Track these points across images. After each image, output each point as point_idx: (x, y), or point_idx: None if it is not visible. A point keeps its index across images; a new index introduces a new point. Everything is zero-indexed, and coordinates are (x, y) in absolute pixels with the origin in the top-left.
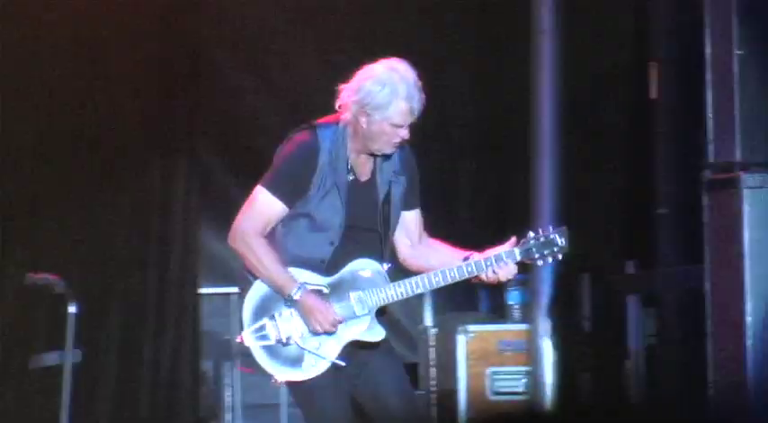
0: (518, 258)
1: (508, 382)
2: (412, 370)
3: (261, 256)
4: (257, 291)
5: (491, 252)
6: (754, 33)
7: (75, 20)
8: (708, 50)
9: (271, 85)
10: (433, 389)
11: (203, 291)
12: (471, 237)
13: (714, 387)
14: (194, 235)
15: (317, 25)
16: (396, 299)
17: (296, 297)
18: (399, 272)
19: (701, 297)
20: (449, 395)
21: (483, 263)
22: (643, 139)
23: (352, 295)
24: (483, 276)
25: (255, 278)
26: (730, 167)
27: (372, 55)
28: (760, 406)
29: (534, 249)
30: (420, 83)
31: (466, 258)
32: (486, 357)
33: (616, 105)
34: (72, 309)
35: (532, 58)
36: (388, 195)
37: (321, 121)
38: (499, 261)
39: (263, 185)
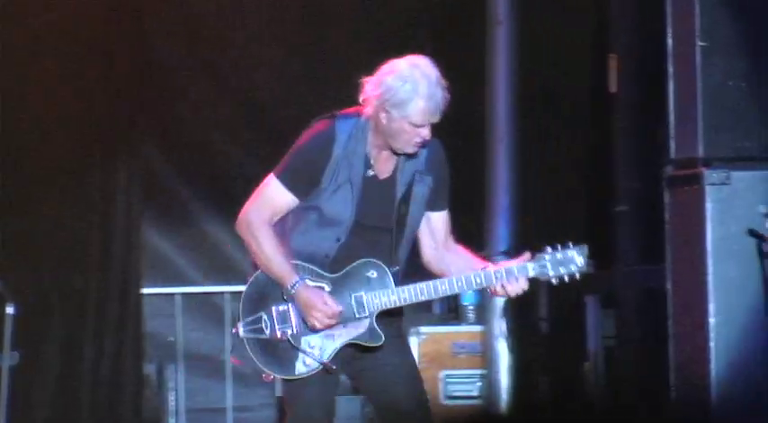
0: (531, 274)
1: (462, 385)
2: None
3: (263, 245)
4: (257, 282)
5: (504, 265)
6: (717, 25)
7: (15, 18)
8: (669, 42)
9: (216, 82)
10: None
11: (146, 291)
12: None
13: (676, 390)
14: (137, 233)
15: (265, 20)
16: (399, 304)
17: (293, 290)
18: (405, 277)
19: (662, 297)
20: None
21: (493, 275)
22: (602, 134)
23: (354, 296)
24: (492, 289)
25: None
26: (692, 163)
27: (323, 49)
28: (722, 410)
29: (550, 266)
30: (444, 82)
31: (482, 269)
32: (439, 360)
33: (574, 99)
34: (10, 310)
35: (488, 50)
36: (407, 195)
37: (344, 111)
38: (510, 275)
39: (275, 174)
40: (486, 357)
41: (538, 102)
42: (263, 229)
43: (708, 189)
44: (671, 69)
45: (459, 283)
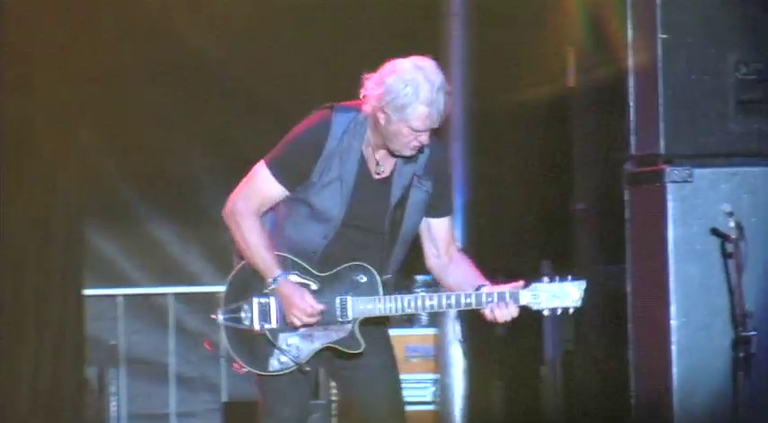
0: (522, 302)
1: (415, 391)
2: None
3: (248, 236)
4: (242, 272)
5: (497, 288)
6: (679, 16)
7: None
8: (629, 34)
9: (161, 79)
10: (334, 399)
11: (88, 292)
12: None
13: (636, 396)
14: (78, 232)
15: (210, 16)
16: (384, 314)
17: (275, 284)
18: (392, 287)
19: (621, 299)
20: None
21: (484, 297)
22: (560, 129)
23: (340, 299)
24: (482, 312)
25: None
26: (653, 160)
27: (274, 44)
28: (685, 416)
29: (544, 297)
30: (448, 86)
31: (477, 288)
32: None
33: (532, 93)
34: None
35: (441, 42)
36: (404, 199)
37: (344, 104)
38: (501, 300)
39: (266, 163)
40: (439, 361)
41: (493, 98)
42: (249, 218)
43: (669, 187)
44: (631, 62)
45: (448, 301)
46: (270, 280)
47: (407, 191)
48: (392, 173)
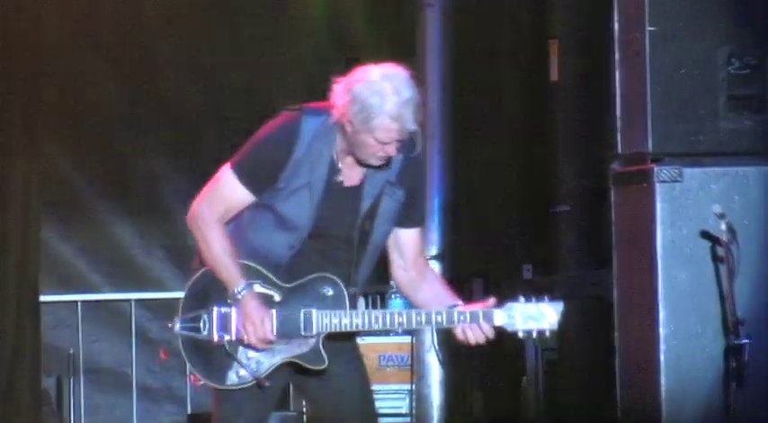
0: (497, 323)
1: (390, 402)
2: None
3: (212, 244)
4: (202, 278)
5: (470, 307)
6: (668, 7)
7: None
8: (616, 26)
9: (121, 78)
10: (305, 410)
11: (45, 298)
12: None
13: (623, 408)
14: (35, 235)
15: (173, 15)
16: (350, 329)
17: (239, 296)
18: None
19: (607, 306)
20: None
21: (456, 316)
22: (542, 127)
23: (304, 312)
24: (454, 332)
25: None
26: (641, 159)
27: (237, 44)
28: None
29: (519, 318)
30: (419, 98)
31: (451, 307)
32: None
33: (512, 88)
34: None
35: (417, 35)
36: (374, 209)
37: (313, 105)
38: (474, 320)
39: (231, 167)
40: (415, 371)
41: (472, 92)
42: (213, 225)
43: (658, 187)
44: (618, 56)
45: (418, 318)
46: (233, 291)
47: (378, 200)
48: (363, 180)
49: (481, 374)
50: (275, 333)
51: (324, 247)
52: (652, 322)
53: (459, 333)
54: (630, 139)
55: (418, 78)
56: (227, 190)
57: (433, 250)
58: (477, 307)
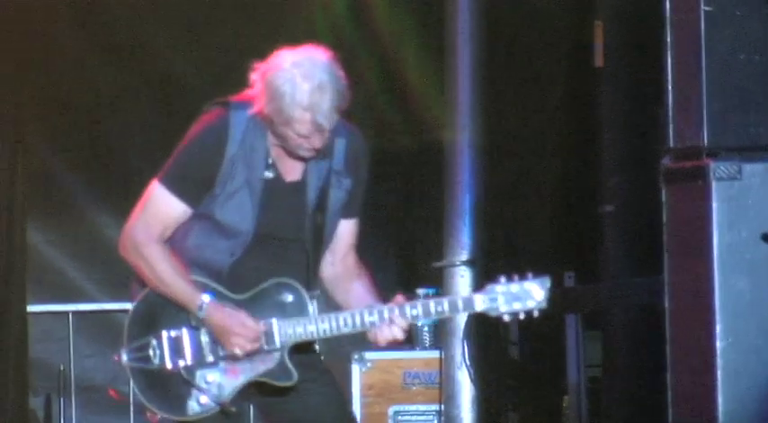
0: (478, 309)
1: None
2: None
3: (157, 267)
4: (147, 301)
5: (425, 301)
6: None
7: None
8: (667, 7)
9: (115, 60)
10: None
11: (32, 309)
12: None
13: None
14: (21, 240)
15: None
16: (318, 337)
17: (203, 313)
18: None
19: (658, 317)
20: None
21: (432, 307)
22: (584, 118)
23: (263, 324)
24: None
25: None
26: (695, 153)
27: (230, 31)
28: None
29: (502, 300)
30: (341, 82)
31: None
32: (387, 393)
33: (551, 76)
34: None
35: (447, 20)
36: (322, 201)
37: (240, 98)
38: (453, 310)
39: (160, 180)
40: (444, 390)
41: (506, 81)
42: (152, 246)
43: (714, 185)
44: (669, 39)
45: (391, 314)
46: (196, 310)
47: (325, 191)
48: (305, 173)
49: (517, 393)
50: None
51: (270, 248)
52: (708, 335)
53: (373, 332)
54: (683, 131)
55: (448, 67)
56: (160, 206)
57: (464, 255)
58: (393, 304)
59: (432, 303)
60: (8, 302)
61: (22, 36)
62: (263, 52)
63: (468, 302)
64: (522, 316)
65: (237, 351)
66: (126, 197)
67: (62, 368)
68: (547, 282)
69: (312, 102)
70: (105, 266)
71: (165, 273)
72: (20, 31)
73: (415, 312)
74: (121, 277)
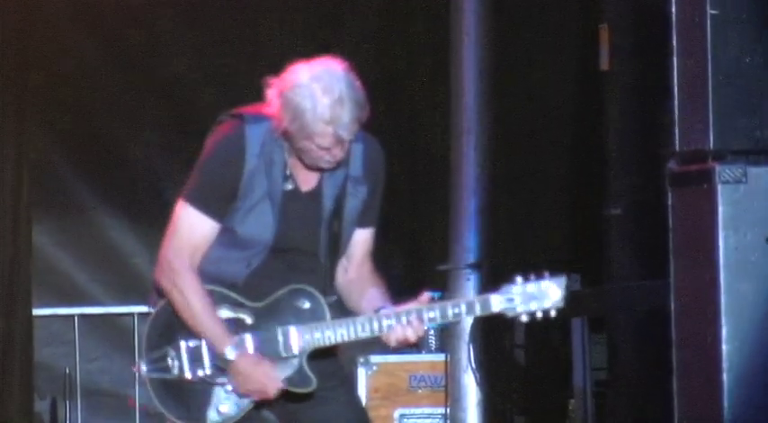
0: (495, 309)
1: None
2: None
3: (191, 301)
4: (164, 312)
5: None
6: None
7: None
8: (673, 10)
9: (121, 61)
10: None
11: (38, 312)
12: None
13: None
14: (26, 243)
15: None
16: (336, 342)
17: (230, 357)
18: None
19: (663, 320)
20: None
21: (450, 310)
22: (590, 121)
23: (281, 331)
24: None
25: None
26: (701, 156)
27: (247, 32)
28: None
29: (519, 300)
30: (358, 93)
31: (377, 309)
32: (393, 396)
33: (557, 79)
34: None
35: (452, 21)
36: (339, 209)
37: (251, 111)
38: (470, 312)
39: (186, 200)
40: (450, 393)
41: (512, 84)
42: (186, 276)
43: (720, 188)
44: (675, 42)
45: (408, 317)
46: (224, 352)
47: (341, 200)
48: (320, 181)
49: (523, 397)
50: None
51: (287, 258)
52: (714, 338)
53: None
54: (689, 134)
55: (453, 68)
56: (191, 226)
57: (469, 258)
58: (411, 305)
59: (449, 306)
60: (13, 305)
61: (28, 37)
62: (268, 55)
63: (485, 303)
64: (539, 315)
65: (254, 396)
66: (132, 200)
67: (68, 371)
68: (564, 281)
69: (333, 115)
70: (111, 269)
71: (197, 308)
72: (25, 33)
73: (432, 315)
74: (128, 280)
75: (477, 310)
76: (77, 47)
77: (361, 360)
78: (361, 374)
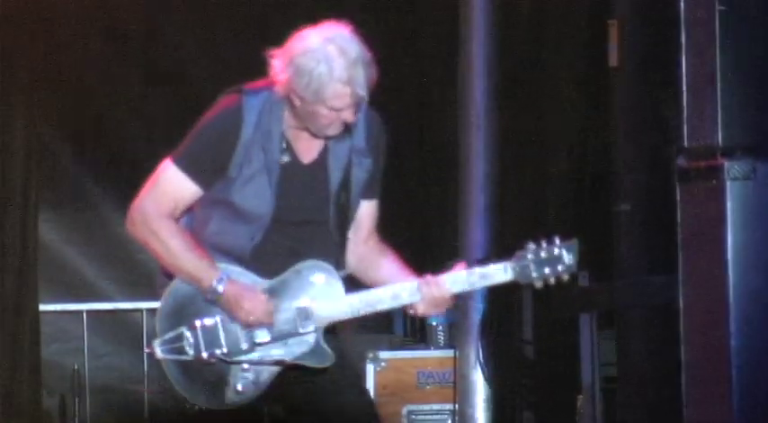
0: (508, 278)
1: None
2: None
3: (168, 241)
4: (175, 293)
5: (464, 271)
6: None
7: None
8: (682, 6)
9: (128, 57)
10: None
11: (45, 308)
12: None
13: None
14: (34, 238)
15: None
16: (352, 316)
17: (220, 287)
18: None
19: (672, 316)
20: None
21: (466, 278)
22: (599, 117)
23: (296, 305)
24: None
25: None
26: (709, 152)
27: (250, 19)
28: None
29: (533, 267)
30: (368, 54)
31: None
32: (402, 393)
33: (566, 75)
34: None
35: (461, 16)
36: (346, 180)
37: (251, 85)
38: (485, 281)
39: (173, 160)
40: (458, 389)
41: (521, 79)
42: (163, 221)
43: (728, 185)
44: (684, 39)
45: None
46: (210, 285)
47: (348, 170)
48: (323, 153)
49: (532, 392)
50: (270, 338)
51: (294, 232)
52: (722, 334)
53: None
54: (698, 130)
55: (462, 62)
56: (171, 185)
57: (478, 254)
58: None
59: (464, 273)
60: (21, 301)
61: (36, 34)
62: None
63: (504, 271)
64: (552, 280)
65: (250, 319)
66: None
67: (76, 368)
68: (574, 245)
69: (350, 75)
70: (120, 265)
71: (176, 246)
72: (31, 30)
73: (448, 285)
74: (136, 276)
75: (493, 278)
76: (85, 44)
77: (370, 356)
78: (370, 371)
